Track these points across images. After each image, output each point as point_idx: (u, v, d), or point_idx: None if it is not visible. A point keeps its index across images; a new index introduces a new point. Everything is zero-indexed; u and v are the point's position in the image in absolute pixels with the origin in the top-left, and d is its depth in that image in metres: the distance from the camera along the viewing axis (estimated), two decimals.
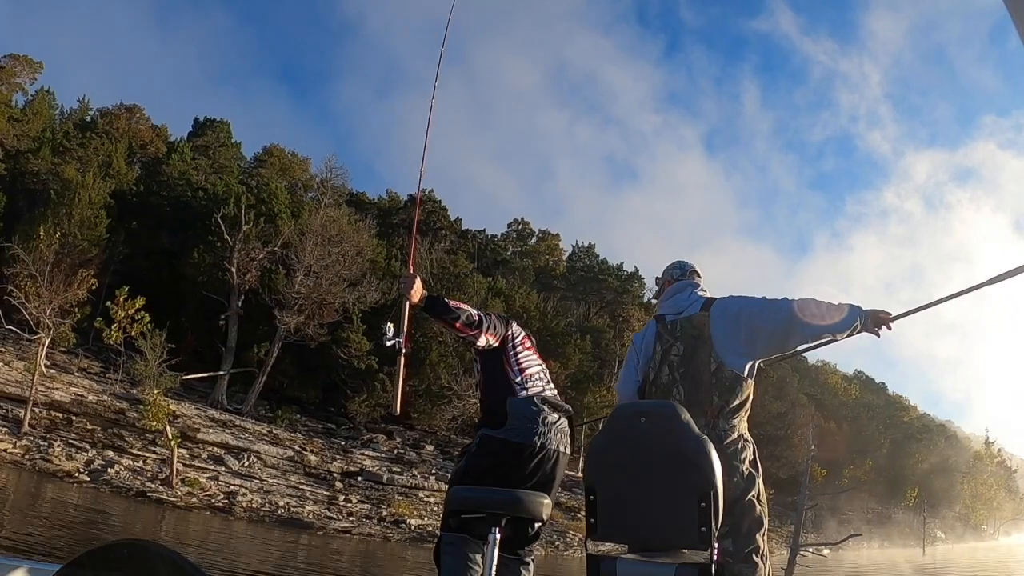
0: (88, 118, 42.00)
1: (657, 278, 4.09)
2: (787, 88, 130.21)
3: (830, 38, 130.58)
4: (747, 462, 3.46)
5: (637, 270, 47.48)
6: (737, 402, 3.51)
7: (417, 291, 3.59)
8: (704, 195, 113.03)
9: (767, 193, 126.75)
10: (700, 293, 3.82)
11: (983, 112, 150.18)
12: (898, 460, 50.54)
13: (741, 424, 3.55)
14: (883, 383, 66.18)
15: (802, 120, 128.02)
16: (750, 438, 3.56)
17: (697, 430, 2.56)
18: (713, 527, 2.42)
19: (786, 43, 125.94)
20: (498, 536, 3.07)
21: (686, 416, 2.58)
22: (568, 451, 3.77)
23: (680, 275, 3.94)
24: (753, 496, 3.40)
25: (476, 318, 3.66)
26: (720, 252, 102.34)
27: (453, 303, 3.64)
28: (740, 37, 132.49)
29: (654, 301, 5.07)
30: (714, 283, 4.01)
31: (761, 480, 3.50)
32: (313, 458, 24.71)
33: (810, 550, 26.51)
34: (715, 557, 2.42)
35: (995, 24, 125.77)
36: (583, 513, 2.83)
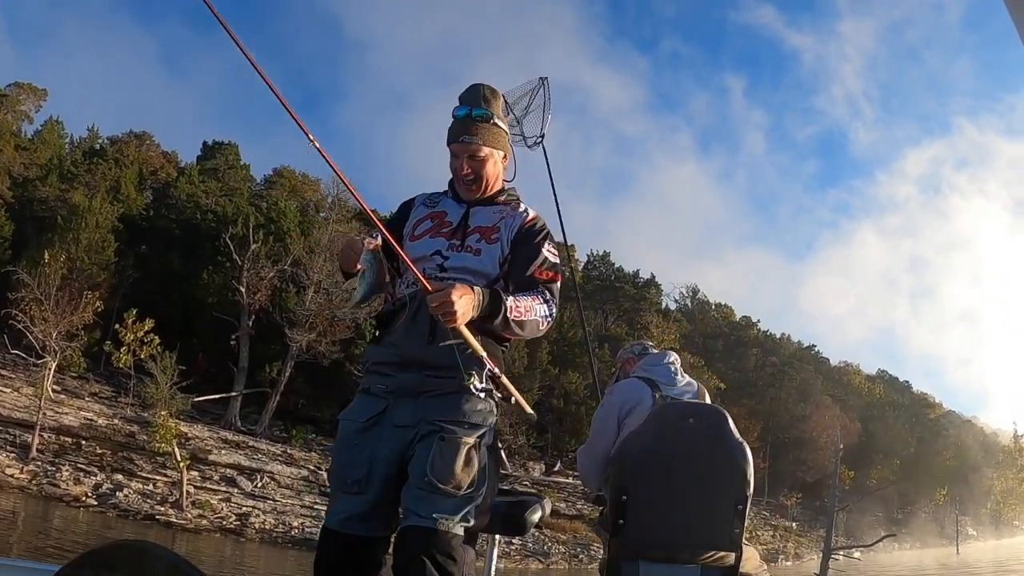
0: (98, 145, 41.82)
1: (620, 354, 4.08)
2: (774, 83, 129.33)
3: (812, 31, 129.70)
4: None
5: (653, 276, 46.93)
6: None
7: (464, 305, 2.00)
8: (703, 200, 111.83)
9: (766, 194, 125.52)
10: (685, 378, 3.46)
11: (969, 98, 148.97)
12: (926, 458, 49.57)
13: None
14: (907, 381, 65.54)
15: (793, 118, 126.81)
16: None
17: (739, 436, 2.68)
18: (742, 530, 2.58)
19: (769, 33, 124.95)
20: (497, 538, 3.02)
21: (731, 422, 2.70)
22: None
23: (641, 351, 3.92)
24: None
25: (553, 309, 2.30)
26: (722, 259, 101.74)
27: (514, 311, 2.14)
28: (721, 28, 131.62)
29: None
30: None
31: None
32: None
33: (841, 553, 25.81)
34: (741, 559, 2.52)
35: (964, 15, 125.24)
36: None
